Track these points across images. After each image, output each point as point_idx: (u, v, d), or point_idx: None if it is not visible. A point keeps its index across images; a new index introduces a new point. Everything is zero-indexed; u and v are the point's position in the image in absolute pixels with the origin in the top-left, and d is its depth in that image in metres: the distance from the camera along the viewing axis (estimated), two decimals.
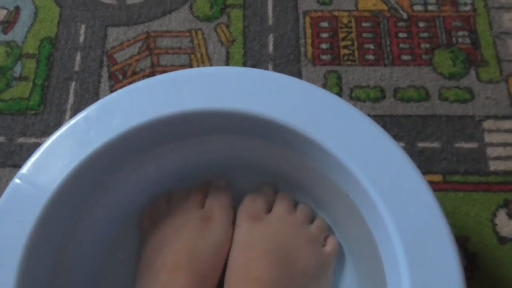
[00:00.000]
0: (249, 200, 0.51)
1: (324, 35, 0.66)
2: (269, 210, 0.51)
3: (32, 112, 0.64)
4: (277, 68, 0.64)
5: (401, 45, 0.65)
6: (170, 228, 0.49)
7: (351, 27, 0.67)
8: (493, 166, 0.59)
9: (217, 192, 0.52)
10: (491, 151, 0.59)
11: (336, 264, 0.50)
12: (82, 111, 0.43)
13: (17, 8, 0.70)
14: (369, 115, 0.59)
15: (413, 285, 0.36)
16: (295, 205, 0.52)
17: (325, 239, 0.50)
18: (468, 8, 0.68)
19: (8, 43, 0.68)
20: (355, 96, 0.62)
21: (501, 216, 0.57)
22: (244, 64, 0.65)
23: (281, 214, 0.50)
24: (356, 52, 0.65)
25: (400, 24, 0.67)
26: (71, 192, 0.41)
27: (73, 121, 0.43)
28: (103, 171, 0.44)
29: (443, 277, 0.36)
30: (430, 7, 0.68)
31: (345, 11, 0.68)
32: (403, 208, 0.38)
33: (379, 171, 0.39)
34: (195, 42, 0.67)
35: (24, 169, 0.41)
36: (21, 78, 0.66)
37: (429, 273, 0.36)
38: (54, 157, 0.41)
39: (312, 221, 0.51)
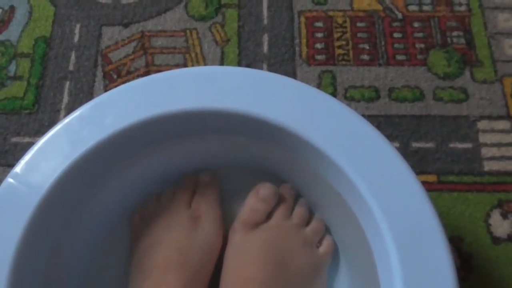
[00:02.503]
0: (248, 211, 0.50)
1: (319, 35, 0.66)
2: (267, 216, 0.50)
3: (27, 111, 0.64)
4: (272, 68, 0.64)
5: (396, 45, 0.65)
6: (160, 228, 0.49)
7: (346, 27, 0.67)
8: (488, 166, 0.59)
9: (204, 189, 0.51)
10: (485, 151, 0.60)
11: (330, 265, 0.50)
12: (76, 110, 0.43)
13: (12, 8, 0.70)
14: (363, 115, 0.59)
15: (406, 285, 0.36)
16: (296, 199, 0.52)
17: (320, 240, 0.50)
18: (463, 8, 0.68)
19: (2, 43, 0.68)
20: (349, 96, 0.62)
21: (495, 216, 0.57)
22: (239, 64, 0.65)
23: (278, 221, 0.49)
24: (350, 52, 0.65)
25: (395, 24, 0.67)
26: (63, 191, 0.41)
27: (66, 120, 0.42)
28: (96, 171, 0.44)
29: (436, 278, 0.36)
30: (425, 7, 0.68)
31: (340, 11, 0.68)
32: (396, 209, 0.38)
33: (373, 171, 0.39)
34: (190, 41, 0.67)
35: (17, 169, 0.41)
36: (16, 77, 0.65)
37: (421, 273, 0.36)
38: (47, 157, 0.41)
39: (308, 222, 0.51)
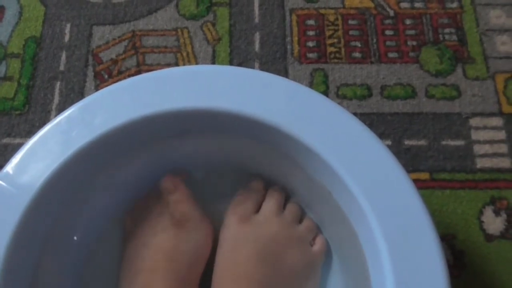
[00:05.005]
0: (238, 201, 0.50)
1: (311, 33, 0.66)
2: (258, 208, 0.50)
3: (17, 112, 0.63)
4: (264, 67, 0.64)
5: (388, 43, 0.65)
6: (149, 230, 0.48)
7: (337, 25, 0.67)
8: (480, 163, 0.59)
9: (173, 196, 0.49)
10: (477, 149, 0.60)
11: (323, 264, 0.49)
12: (65, 111, 0.43)
13: (2, 8, 0.69)
14: (355, 113, 0.60)
15: (397, 283, 0.36)
16: (285, 202, 0.52)
17: (313, 238, 0.50)
18: (454, 5, 0.68)
19: None
20: (341, 94, 0.62)
21: (488, 213, 0.57)
22: (230, 63, 0.65)
23: (269, 214, 0.49)
24: (342, 50, 0.65)
25: (387, 21, 0.67)
26: (53, 192, 0.41)
27: (55, 121, 0.42)
28: (86, 171, 0.44)
29: (427, 275, 0.36)
30: (416, 4, 0.68)
31: (332, 8, 0.68)
32: (387, 207, 0.38)
33: (364, 170, 0.39)
34: (181, 40, 0.66)
35: (6, 170, 0.41)
36: (6, 78, 0.65)
37: (413, 271, 0.36)
38: (36, 158, 0.41)
39: (300, 220, 0.51)
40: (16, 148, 0.60)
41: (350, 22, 0.67)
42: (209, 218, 0.50)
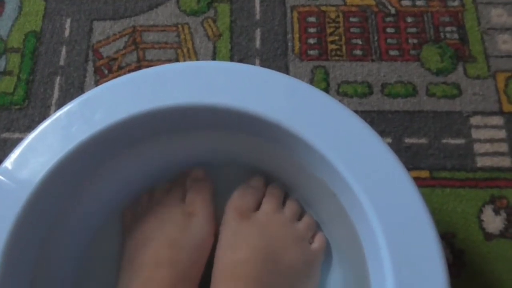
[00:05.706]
0: (237, 196, 0.50)
1: (312, 30, 0.66)
2: (257, 205, 0.50)
3: (17, 107, 0.63)
4: (264, 63, 0.64)
5: (389, 40, 0.65)
6: (152, 224, 0.48)
7: (338, 22, 0.66)
8: (480, 162, 0.59)
9: (197, 185, 0.51)
10: (478, 147, 0.59)
11: (323, 262, 0.49)
12: (64, 106, 0.42)
13: (2, 2, 0.69)
14: (356, 111, 0.59)
15: (397, 281, 0.36)
16: (285, 199, 0.52)
17: (313, 236, 0.50)
18: (456, 3, 0.67)
19: None
20: (342, 91, 0.62)
21: (488, 212, 0.57)
22: (231, 59, 0.64)
23: (268, 212, 0.49)
24: (343, 47, 0.65)
25: (388, 19, 0.66)
26: (52, 188, 0.41)
27: (55, 116, 0.42)
28: (85, 167, 0.43)
29: (427, 274, 0.36)
30: (418, 2, 0.68)
31: (333, 5, 0.68)
32: (387, 205, 0.38)
33: (364, 167, 0.39)
34: (182, 36, 0.66)
35: (5, 165, 0.41)
36: (6, 72, 0.65)
37: (412, 269, 0.36)
38: (36, 152, 0.41)
39: (300, 218, 0.51)
40: (15, 143, 0.60)
41: (351, 19, 0.67)
42: (215, 216, 0.50)
